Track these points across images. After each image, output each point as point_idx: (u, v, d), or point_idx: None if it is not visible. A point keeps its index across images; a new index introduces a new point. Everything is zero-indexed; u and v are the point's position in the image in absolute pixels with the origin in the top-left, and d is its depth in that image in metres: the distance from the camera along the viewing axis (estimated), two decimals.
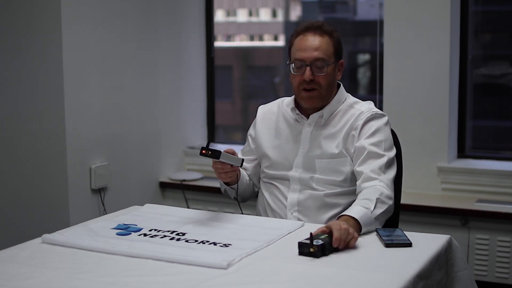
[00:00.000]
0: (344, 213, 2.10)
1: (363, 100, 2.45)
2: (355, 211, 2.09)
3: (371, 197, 2.15)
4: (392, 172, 2.28)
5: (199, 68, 4.36)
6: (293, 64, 2.33)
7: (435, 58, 3.54)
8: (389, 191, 2.20)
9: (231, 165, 2.24)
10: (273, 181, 2.42)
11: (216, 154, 2.14)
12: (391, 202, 2.19)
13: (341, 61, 2.38)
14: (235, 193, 2.43)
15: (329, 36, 2.34)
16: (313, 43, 2.31)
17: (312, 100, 2.33)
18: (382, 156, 2.27)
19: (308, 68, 2.29)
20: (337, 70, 2.37)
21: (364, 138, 2.29)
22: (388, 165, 2.27)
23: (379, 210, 2.13)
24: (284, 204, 2.37)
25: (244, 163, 2.49)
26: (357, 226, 2.04)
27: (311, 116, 2.38)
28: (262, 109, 2.55)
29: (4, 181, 3.54)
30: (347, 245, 1.91)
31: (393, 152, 2.31)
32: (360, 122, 2.31)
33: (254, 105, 4.79)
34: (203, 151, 2.14)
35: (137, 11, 3.79)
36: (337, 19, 4.62)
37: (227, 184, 2.41)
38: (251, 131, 2.55)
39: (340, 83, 2.44)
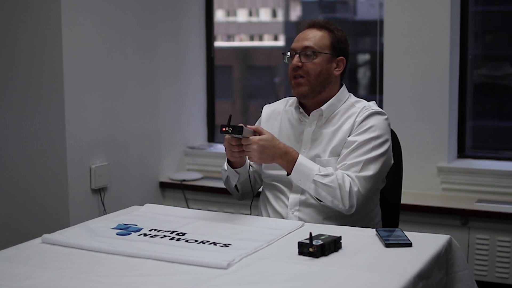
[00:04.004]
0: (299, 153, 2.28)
1: (366, 101, 2.45)
2: (306, 159, 2.26)
3: (330, 171, 2.24)
4: (369, 171, 2.27)
5: (199, 68, 4.36)
6: (288, 54, 2.39)
7: (435, 58, 3.54)
8: (352, 188, 2.22)
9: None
10: (275, 182, 2.42)
11: (238, 130, 2.16)
12: (341, 191, 2.21)
13: (340, 57, 2.39)
14: (237, 178, 2.43)
15: (328, 31, 2.39)
16: (307, 34, 2.39)
17: (300, 88, 2.35)
18: (366, 153, 2.27)
19: (296, 56, 2.36)
20: (334, 65, 2.38)
21: (356, 134, 2.31)
22: (368, 162, 2.27)
23: (323, 180, 2.21)
24: (286, 203, 2.37)
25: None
26: (288, 165, 2.23)
27: (311, 114, 2.38)
28: (268, 109, 2.55)
29: (4, 181, 3.54)
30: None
31: (380, 150, 2.30)
32: (359, 119, 2.33)
33: (254, 105, 4.79)
34: (223, 129, 2.15)
35: (137, 11, 3.79)
36: (337, 19, 4.62)
37: (232, 166, 2.40)
38: None
39: (343, 83, 2.45)
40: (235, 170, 2.41)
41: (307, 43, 2.35)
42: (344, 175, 2.24)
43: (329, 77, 2.37)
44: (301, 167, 2.23)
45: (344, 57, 2.40)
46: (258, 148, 2.19)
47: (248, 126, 2.24)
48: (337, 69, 2.39)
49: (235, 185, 2.47)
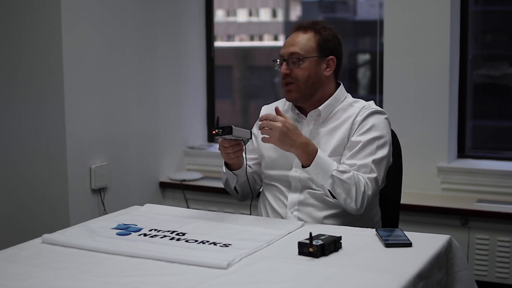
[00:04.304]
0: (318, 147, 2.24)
1: (364, 100, 2.45)
2: (323, 153, 2.23)
3: (348, 168, 2.22)
4: (376, 173, 2.27)
5: (199, 68, 4.36)
6: (277, 61, 2.39)
7: (435, 58, 3.54)
8: (366, 190, 2.22)
9: (241, 141, 2.25)
10: (274, 182, 2.42)
11: (228, 130, 2.14)
12: (357, 190, 2.20)
13: (330, 57, 2.37)
14: (236, 180, 2.43)
15: (314, 32, 2.37)
16: (292, 40, 2.37)
17: (291, 94, 2.36)
18: (372, 154, 2.28)
19: (284, 63, 2.35)
20: (324, 66, 2.37)
21: (359, 134, 2.31)
22: (375, 164, 2.28)
23: (342, 176, 2.19)
24: (285, 203, 2.37)
25: (248, 162, 2.48)
26: (308, 157, 2.18)
27: (309, 114, 2.39)
28: (266, 109, 2.55)
29: (4, 181, 3.54)
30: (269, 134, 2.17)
31: (384, 151, 2.30)
32: (359, 118, 2.33)
33: (254, 105, 4.79)
34: (213, 132, 2.15)
35: (137, 11, 3.79)
36: (337, 19, 4.62)
37: (230, 168, 2.40)
38: (254, 129, 2.55)
39: (340, 82, 2.45)
40: (233, 173, 2.41)
41: (293, 49, 2.34)
42: (359, 175, 2.23)
43: (319, 79, 2.36)
44: (321, 161, 2.21)
45: (334, 56, 2.38)
46: (283, 127, 2.16)
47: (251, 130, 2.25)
48: (327, 69, 2.37)
49: (235, 187, 2.47)
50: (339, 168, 2.21)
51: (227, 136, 2.19)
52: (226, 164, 2.41)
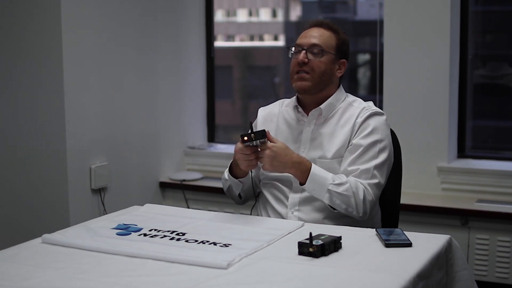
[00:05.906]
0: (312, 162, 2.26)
1: (363, 100, 2.45)
2: (318, 167, 2.24)
3: (344, 179, 2.23)
4: (379, 178, 2.28)
5: (199, 68, 4.36)
6: (292, 49, 2.39)
7: (435, 58, 3.54)
8: (366, 197, 2.23)
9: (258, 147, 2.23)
10: (275, 182, 2.41)
11: (262, 134, 2.15)
12: (356, 199, 2.21)
13: (342, 60, 2.40)
14: (241, 187, 2.42)
15: (334, 32, 2.40)
16: (314, 32, 2.39)
17: (303, 82, 2.34)
18: (374, 158, 2.28)
19: (303, 52, 2.35)
20: (337, 67, 2.39)
21: (360, 137, 2.31)
22: (377, 169, 2.28)
23: (338, 189, 2.21)
24: (285, 203, 2.37)
25: None
26: (302, 174, 2.22)
27: (310, 113, 2.39)
28: (263, 111, 2.55)
29: (4, 181, 3.54)
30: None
31: (385, 154, 2.31)
32: (360, 120, 2.33)
33: (254, 105, 4.79)
34: (246, 138, 2.14)
35: (137, 11, 3.79)
36: (337, 19, 4.61)
37: (236, 176, 2.39)
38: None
39: (341, 84, 2.45)
40: (238, 180, 2.41)
41: (315, 40, 2.36)
42: (357, 182, 2.24)
43: (332, 77, 2.38)
44: (315, 177, 2.22)
45: (346, 60, 2.42)
46: (271, 154, 2.19)
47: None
48: (339, 70, 2.41)
49: (239, 193, 2.47)
50: (335, 181, 2.22)
51: (261, 140, 2.17)
52: (231, 172, 2.41)
